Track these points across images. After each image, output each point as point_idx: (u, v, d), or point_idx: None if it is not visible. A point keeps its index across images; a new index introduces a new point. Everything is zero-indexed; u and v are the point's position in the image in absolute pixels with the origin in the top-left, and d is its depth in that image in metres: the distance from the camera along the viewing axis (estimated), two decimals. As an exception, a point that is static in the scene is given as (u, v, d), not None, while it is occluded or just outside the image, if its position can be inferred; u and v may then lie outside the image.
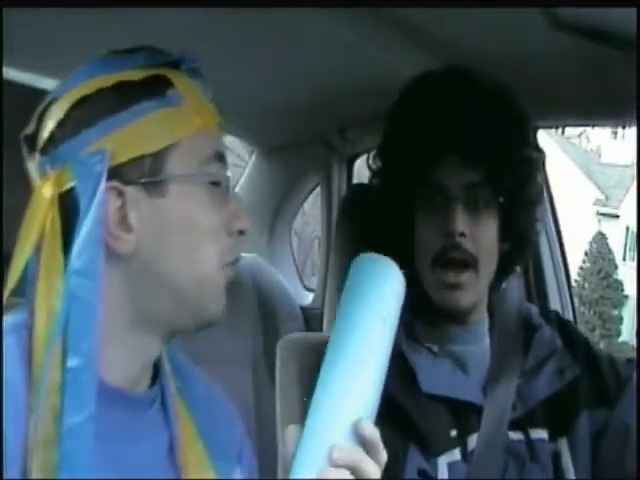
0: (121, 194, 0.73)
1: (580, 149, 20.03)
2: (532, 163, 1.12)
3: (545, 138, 1.77)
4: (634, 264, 17.02)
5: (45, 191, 0.73)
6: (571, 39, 1.05)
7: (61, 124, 0.73)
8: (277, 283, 1.91)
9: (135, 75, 0.74)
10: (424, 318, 1.13)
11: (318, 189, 2.20)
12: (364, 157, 1.98)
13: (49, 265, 0.72)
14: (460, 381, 1.10)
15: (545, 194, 1.60)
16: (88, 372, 0.69)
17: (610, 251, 17.60)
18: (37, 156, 0.75)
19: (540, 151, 1.17)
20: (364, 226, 1.22)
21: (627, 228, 18.16)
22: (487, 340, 1.14)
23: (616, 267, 17.58)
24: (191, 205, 0.75)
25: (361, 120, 1.74)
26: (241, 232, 0.79)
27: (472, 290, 1.08)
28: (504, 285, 1.20)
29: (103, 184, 0.71)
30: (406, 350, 1.09)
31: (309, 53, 1.40)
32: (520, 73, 1.24)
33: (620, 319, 16.90)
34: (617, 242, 17.93)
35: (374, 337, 0.77)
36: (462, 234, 1.04)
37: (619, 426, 1.08)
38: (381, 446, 0.73)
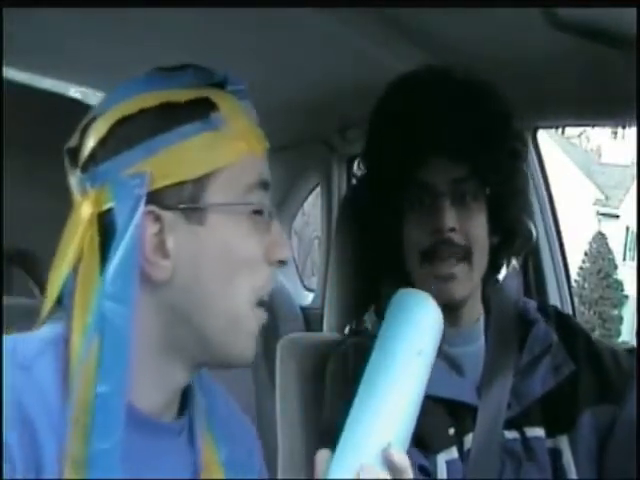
0: (158, 219, 0.71)
1: (580, 149, 20.05)
2: (516, 154, 1.13)
3: (545, 138, 1.77)
4: (634, 264, 17.03)
5: (84, 210, 0.71)
6: (571, 39, 1.05)
7: (102, 142, 0.72)
8: (277, 283, 1.91)
9: (179, 96, 0.72)
10: None
11: (318, 189, 2.21)
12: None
13: (85, 284, 0.70)
14: (455, 382, 1.10)
15: (545, 194, 1.60)
16: (118, 399, 0.68)
17: (610, 251, 17.61)
18: (78, 172, 0.73)
19: (523, 141, 1.18)
20: (364, 226, 1.22)
21: (627, 228, 18.16)
22: (482, 339, 1.14)
23: (616, 267, 17.58)
24: (231, 235, 0.73)
25: (361, 120, 1.74)
26: (281, 262, 0.77)
27: (465, 281, 1.08)
28: (501, 283, 1.20)
29: (141, 209, 0.69)
30: None
31: (309, 53, 1.40)
32: (520, 73, 1.24)
33: (620, 319, 16.90)
34: (617, 242, 17.93)
35: (410, 369, 0.79)
36: (452, 229, 1.05)
37: (627, 423, 1.06)
38: (410, 473, 0.73)
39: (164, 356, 0.74)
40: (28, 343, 0.70)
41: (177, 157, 0.71)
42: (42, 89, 1.06)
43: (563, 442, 1.08)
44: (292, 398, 1.21)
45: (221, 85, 0.75)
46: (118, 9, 1.16)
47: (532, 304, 1.20)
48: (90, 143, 0.73)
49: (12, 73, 1.45)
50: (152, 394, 0.74)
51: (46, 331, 0.73)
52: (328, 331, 1.31)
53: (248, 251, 0.74)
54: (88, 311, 0.70)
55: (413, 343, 0.80)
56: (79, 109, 1.05)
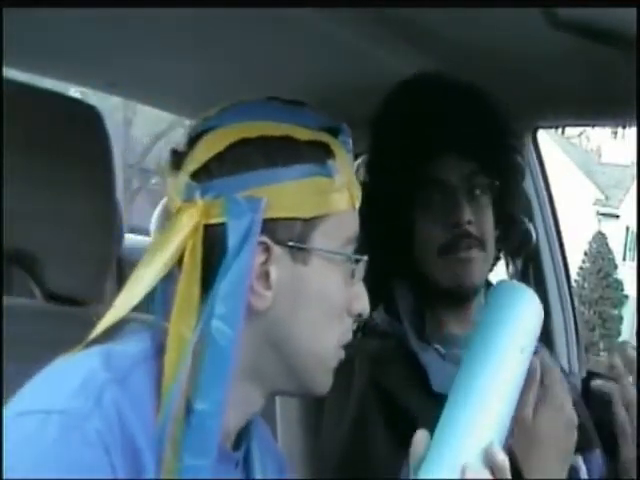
0: (268, 250, 0.72)
1: (580, 149, 20.04)
2: (515, 150, 1.20)
3: (545, 138, 1.77)
4: (634, 264, 17.05)
5: (189, 217, 0.71)
6: (571, 39, 1.05)
7: (219, 157, 0.72)
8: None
9: (301, 134, 0.73)
10: (432, 317, 1.15)
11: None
12: (364, 157, 1.99)
13: (187, 298, 0.70)
14: None
15: (546, 194, 1.60)
16: (214, 419, 0.68)
17: (610, 251, 17.61)
18: (184, 177, 0.73)
19: (520, 139, 1.27)
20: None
21: (627, 228, 18.18)
22: None
23: (616, 267, 17.59)
24: (327, 281, 0.75)
25: (361, 120, 1.74)
26: (360, 315, 0.78)
27: (482, 266, 1.12)
28: None
29: (256, 235, 0.70)
30: (416, 349, 1.11)
31: (309, 53, 1.40)
32: (520, 73, 1.24)
33: (620, 319, 16.91)
34: (617, 242, 17.94)
35: (512, 367, 0.79)
36: (469, 222, 1.09)
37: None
38: (508, 473, 0.74)
39: (247, 382, 0.74)
40: (120, 356, 0.69)
41: (293, 193, 0.72)
42: (42, 89, 1.05)
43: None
44: (292, 399, 1.21)
45: (334, 133, 0.76)
46: (119, 9, 1.16)
47: None
48: (204, 155, 0.72)
49: (12, 73, 1.45)
50: (228, 418, 0.73)
51: (135, 345, 0.72)
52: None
53: (339, 299, 0.76)
54: (185, 323, 0.69)
55: (517, 340, 0.79)
56: (79, 109, 1.05)
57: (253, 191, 0.71)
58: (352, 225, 0.77)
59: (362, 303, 0.78)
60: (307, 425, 1.20)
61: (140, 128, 15.86)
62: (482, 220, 1.12)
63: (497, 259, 1.22)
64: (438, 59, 1.28)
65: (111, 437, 0.63)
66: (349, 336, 0.79)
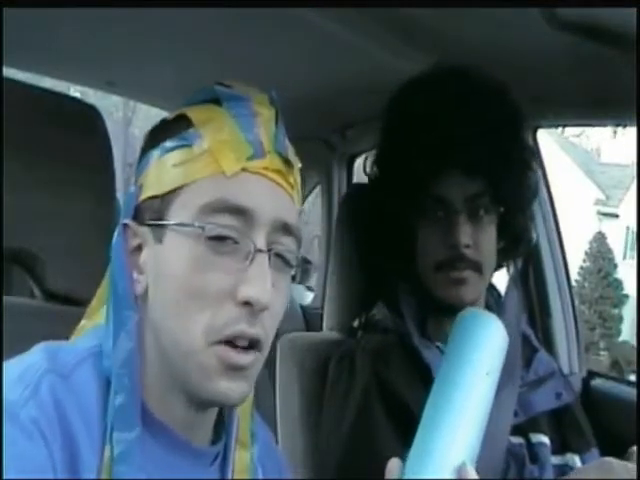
0: (136, 234, 0.71)
1: (580, 149, 20.02)
2: (527, 165, 1.14)
3: (545, 138, 1.77)
4: (634, 263, 17.02)
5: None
6: (571, 38, 1.05)
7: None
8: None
9: (175, 112, 0.73)
10: (432, 317, 1.15)
11: (318, 189, 2.21)
12: (364, 157, 1.99)
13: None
14: None
15: (546, 194, 1.60)
16: (132, 395, 0.67)
17: (610, 250, 17.59)
18: None
19: (533, 151, 1.20)
20: (364, 226, 1.22)
21: (627, 228, 18.17)
22: None
23: (616, 266, 17.57)
24: (184, 258, 0.67)
25: (361, 120, 1.75)
26: (246, 303, 0.66)
27: (475, 286, 1.11)
28: (502, 301, 1.21)
29: (123, 219, 0.71)
30: (419, 346, 1.11)
31: (309, 53, 1.40)
32: (520, 73, 1.24)
33: (620, 318, 16.89)
34: (617, 242, 17.92)
35: (479, 390, 0.81)
36: (466, 245, 1.07)
37: None
38: None
39: (162, 381, 0.72)
40: (67, 352, 0.69)
41: (154, 172, 0.71)
42: (42, 88, 1.05)
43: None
44: (291, 397, 1.21)
45: (217, 102, 0.72)
46: (119, 9, 1.16)
47: (530, 331, 1.23)
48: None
49: (12, 73, 1.45)
50: (171, 409, 0.72)
51: (87, 341, 0.72)
52: (327, 330, 1.31)
53: (202, 281, 0.67)
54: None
55: (483, 364, 0.82)
56: (79, 109, 1.05)
57: (141, 179, 0.72)
58: (215, 192, 0.67)
59: (250, 289, 0.66)
60: (307, 423, 1.21)
61: (140, 127, 15.85)
62: (482, 243, 1.09)
63: (501, 267, 1.20)
64: (438, 58, 1.28)
65: (47, 424, 0.62)
66: (235, 328, 0.67)
